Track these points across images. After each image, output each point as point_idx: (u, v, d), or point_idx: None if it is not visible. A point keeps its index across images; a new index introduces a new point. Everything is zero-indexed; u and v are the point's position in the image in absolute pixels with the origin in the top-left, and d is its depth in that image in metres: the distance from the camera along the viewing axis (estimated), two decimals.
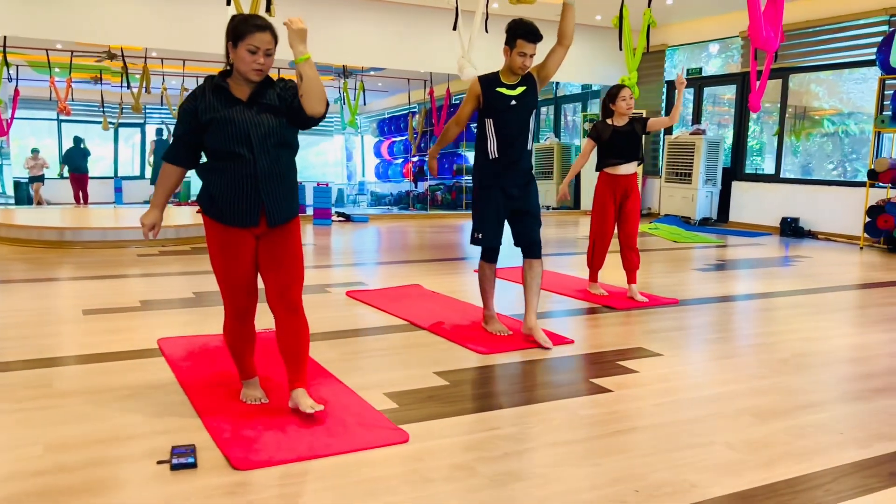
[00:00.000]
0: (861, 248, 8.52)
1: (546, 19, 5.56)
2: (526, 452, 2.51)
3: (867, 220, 8.37)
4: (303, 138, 14.57)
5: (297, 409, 2.75)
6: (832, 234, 9.31)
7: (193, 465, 2.34)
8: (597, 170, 5.16)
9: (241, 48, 2.54)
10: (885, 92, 8.42)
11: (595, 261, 5.22)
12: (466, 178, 15.93)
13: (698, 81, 11.32)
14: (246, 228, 2.64)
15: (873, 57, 8.66)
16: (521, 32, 3.65)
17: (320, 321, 4.35)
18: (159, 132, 15.61)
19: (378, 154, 20.27)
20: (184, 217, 8.60)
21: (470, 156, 16.37)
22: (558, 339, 3.95)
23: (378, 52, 10.51)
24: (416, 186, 18.12)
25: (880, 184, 8.34)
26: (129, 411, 2.82)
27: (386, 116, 19.88)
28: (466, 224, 11.44)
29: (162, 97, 14.91)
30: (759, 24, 5.13)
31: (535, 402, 3.02)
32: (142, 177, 18.53)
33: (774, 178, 10.26)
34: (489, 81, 3.81)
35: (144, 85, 12.71)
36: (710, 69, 11.52)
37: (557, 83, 14.02)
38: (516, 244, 4.00)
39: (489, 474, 2.33)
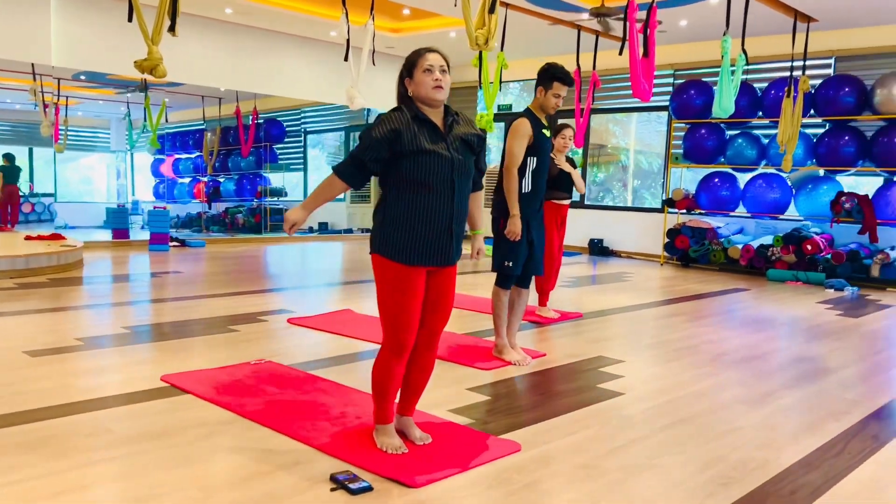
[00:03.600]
0: (661, 264, 10.06)
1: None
2: (623, 448, 2.94)
3: (666, 240, 9.92)
4: (63, 154, 13.40)
5: (403, 433, 2.91)
6: (633, 252, 10.82)
7: (370, 489, 2.46)
8: None
9: (417, 73, 2.62)
10: (676, 133, 10.08)
11: (546, 285, 5.71)
12: (270, 199, 15.74)
13: (508, 117, 12.46)
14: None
15: (664, 103, 10.32)
16: (559, 75, 4.00)
17: (301, 349, 4.39)
18: None
19: (157, 173, 19.18)
20: (29, 246, 7.68)
21: (273, 177, 16.20)
22: (534, 354, 4.42)
23: (220, 71, 10.22)
24: (209, 208, 17.45)
25: (673, 210, 9.94)
26: (229, 449, 2.78)
27: (167, 132, 18.87)
28: (307, 247, 11.37)
29: None
30: (638, 77, 6.09)
31: (581, 407, 3.45)
32: None
33: (580, 203, 11.64)
34: (535, 123, 4.08)
35: None
36: (516, 106, 12.72)
37: (369, 110, 14.46)
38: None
39: (615, 468, 2.74)
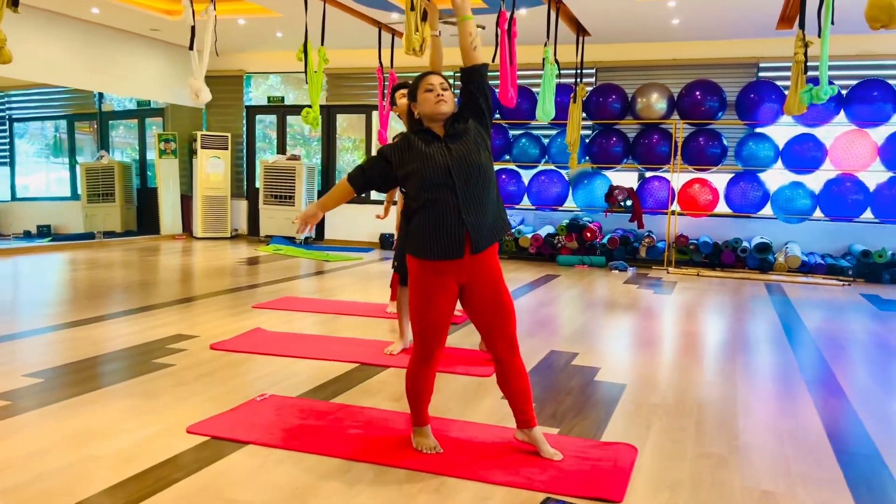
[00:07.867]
0: None
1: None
2: (709, 436, 3.26)
3: None
4: None
5: (527, 443, 2.98)
6: None
7: None
8: None
9: (420, 93, 2.86)
10: None
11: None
12: None
13: (281, 109, 12.01)
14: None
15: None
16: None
17: (275, 377, 3.98)
18: None
19: None
20: None
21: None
22: None
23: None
24: None
25: None
26: (377, 496, 2.53)
27: None
28: (51, 259, 9.73)
29: None
30: (506, 85, 6.44)
31: (617, 402, 3.69)
32: None
33: (367, 199, 11.65)
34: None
35: None
36: (291, 99, 12.26)
37: (103, 95, 12.81)
38: None
39: (730, 453, 3.05)
